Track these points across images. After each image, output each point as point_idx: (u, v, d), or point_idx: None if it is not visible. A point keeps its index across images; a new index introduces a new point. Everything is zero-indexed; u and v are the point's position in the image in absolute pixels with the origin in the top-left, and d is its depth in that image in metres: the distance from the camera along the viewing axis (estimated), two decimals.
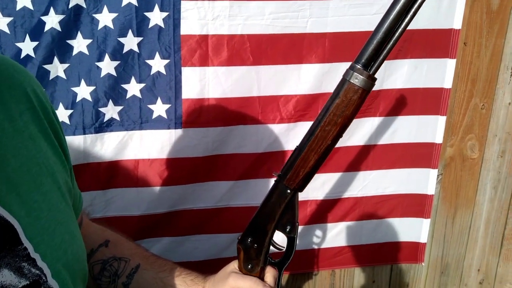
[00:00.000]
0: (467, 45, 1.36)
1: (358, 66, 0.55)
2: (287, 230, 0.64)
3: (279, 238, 0.67)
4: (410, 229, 1.49)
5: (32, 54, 1.09)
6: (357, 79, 0.55)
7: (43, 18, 1.07)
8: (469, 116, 1.43)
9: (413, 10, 0.56)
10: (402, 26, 0.56)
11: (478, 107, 1.43)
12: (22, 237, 0.41)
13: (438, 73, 1.33)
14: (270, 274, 0.67)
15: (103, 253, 0.69)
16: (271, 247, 0.68)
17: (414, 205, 1.46)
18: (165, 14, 1.14)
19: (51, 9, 1.07)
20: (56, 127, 0.53)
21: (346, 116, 0.57)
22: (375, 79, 0.56)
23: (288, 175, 0.62)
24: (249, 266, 0.66)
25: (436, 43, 1.30)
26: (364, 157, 1.38)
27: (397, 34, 0.56)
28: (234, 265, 0.69)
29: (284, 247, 0.67)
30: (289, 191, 0.62)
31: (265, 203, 0.64)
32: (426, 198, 1.46)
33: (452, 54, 1.32)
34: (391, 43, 0.56)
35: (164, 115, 1.21)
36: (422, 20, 1.27)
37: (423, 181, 1.44)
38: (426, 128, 1.38)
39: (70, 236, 0.48)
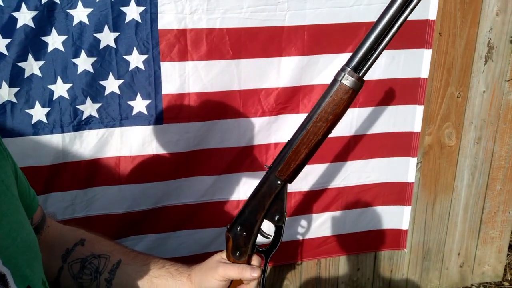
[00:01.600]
0: (442, 35, 1.39)
1: (349, 69, 0.60)
2: (276, 219, 0.67)
3: (265, 227, 0.69)
4: (392, 217, 1.52)
5: (5, 52, 1.06)
6: (348, 81, 0.60)
7: (15, 14, 1.04)
8: (445, 105, 1.47)
9: (401, 19, 0.60)
10: (390, 34, 0.60)
11: (454, 95, 1.46)
12: None
13: (415, 63, 1.36)
14: (255, 260, 0.69)
15: (80, 252, 0.68)
16: (259, 236, 0.70)
17: (395, 193, 1.49)
18: (141, 8, 1.12)
19: (23, 5, 1.04)
20: None
21: (337, 113, 0.62)
22: (363, 81, 0.61)
23: (280, 167, 0.65)
24: (237, 254, 0.68)
25: (412, 34, 1.33)
26: (345, 148, 1.40)
27: (385, 41, 0.61)
28: (220, 255, 0.70)
29: (271, 236, 0.69)
30: (279, 182, 0.65)
31: (256, 194, 0.67)
32: (407, 186, 1.49)
33: (428, 44, 1.34)
34: (379, 49, 0.61)
35: (145, 111, 1.20)
36: None
37: (403, 169, 1.47)
38: (405, 118, 1.41)
39: (18, 225, 0.48)
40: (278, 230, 0.68)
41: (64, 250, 0.68)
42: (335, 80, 0.61)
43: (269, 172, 0.66)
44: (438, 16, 1.33)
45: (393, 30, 0.60)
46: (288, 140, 0.65)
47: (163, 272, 0.69)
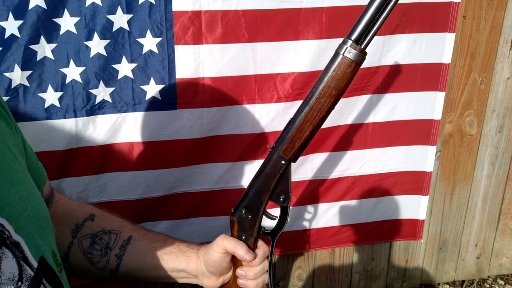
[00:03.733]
0: (466, 18, 1.33)
1: (351, 41, 0.59)
2: (281, 200, 0.66)
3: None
4: (409, 207, 1.49)
5: (17, 34, 1.04)
6: (351, 53, 0.59)
7: None
8: (467, 92, 1.42)
9: None
10: (391, 4, 0.58)
11: (477, 82, 1.41)
12: None
13: (437, 47, 1.31)
14: (261, 249, 0.68)
15: (90, 227, 0.67)
16: (264, 217, 0.68)
17: (413, 182, 1.46)
18: None
19: None
20: None
21: (340, 88, 0.61)
22: (366, 53, 0.60)
23: (284, 146, 0.64)
24: (243, 237, 0.67)
25: (435, 17, 1.27)
26: (362, 136, 1.36)
27: (386, 10, 0.58)
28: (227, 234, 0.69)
29: (277, 217, 0.68)
30: (283, 162, 0.64)
31: (260, 174, 0.65)
32: (425, 175, 1.45)
33: (451, 28, 1.29)
34: (381, 19, 0.59)
35: (158, 96, 1.18)
36: None
37: (421, 158, 1.43)
38: (425, 105, 1.37)
39: (28, 194, 0.47)
40: (284, 211, 0.67)
41: (74, 225, 0.67)
42: (337, 54, 0.60)
43: (273, 152, 0.64)
44: None
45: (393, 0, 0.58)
46: (291, 118, 0.63)
47: (174, 248, 0.69)
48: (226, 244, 0.65)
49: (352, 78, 0.61)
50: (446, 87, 1.35)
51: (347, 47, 0.58)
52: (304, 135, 0.62)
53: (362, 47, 0.59)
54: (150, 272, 0.68)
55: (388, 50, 1.28)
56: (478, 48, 1.37)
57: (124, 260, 0.67)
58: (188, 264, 0.67)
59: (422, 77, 1.33)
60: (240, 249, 0.64)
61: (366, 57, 0.60)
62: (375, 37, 1.30)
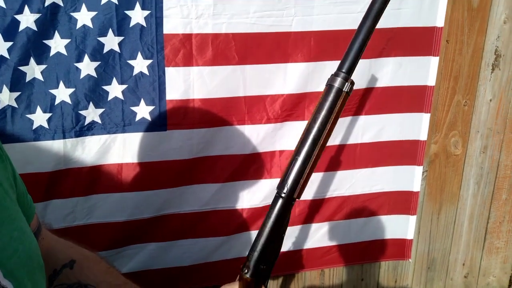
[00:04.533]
0: (449, 42, 1.37)
1: (346, 75, 0.61)
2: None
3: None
4: (397, 226, 1.50)
5: (6, 55, 1.03)
6: (347, 88, 0.61)
7: (17, 16, 1.02)
8: (452, 113, 1.45)
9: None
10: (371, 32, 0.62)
11: (461, 103, 1.45)
12: None
13: (422, 70, 1.35)
14: None
15: (67, 276, 0.63)
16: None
17: (401, 202, 1.47)
18: (146, 12, 1.10)
19: (26, 8, 1.02)
20: None
21: (337, 119, 0.63)
22: (353, 83, 0.63)
23: (298, 187, 0.61)
24: None
25: (419, 41, 1.31)
26: (351, 156, 1.38)
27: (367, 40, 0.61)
28: None
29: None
30: (293, 202, 0.63)
31: (279, 223, 0.62)
32: (412, 195, 1.47)
33: (435, 51, 1.33)
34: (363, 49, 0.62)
35: (148, 117, 1.18)
36: (405, 18, 1.27)
37: (408, 178, 1.45)
38: (411, 126, 1.39)
39: (20, 233, 0.45)
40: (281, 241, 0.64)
41: (52, 270, 0.63)
42: (330, 86, 0.61)
43: (283, 195, 0.62)
44: (446, 24, 1.32)
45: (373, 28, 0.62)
46: (296, 156, 0.61)
47: None
48: None
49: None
50: (431, 109, 1.39)
51: (347, 84, 0.60)
52: (312, 171, 0.61)
53: (351, 79, 0.61)
54: None
55: (375, 73, 1.31)
56: (461, 71, 1.41)
57: None
58: None
59: (408, 99, 1.36)
60: None
61: (354, 79, 0.63)
62: (363, 60, 1.34)
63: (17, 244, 0.44)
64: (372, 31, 0.60)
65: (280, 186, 0.62)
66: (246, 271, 0.62)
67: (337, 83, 0.59)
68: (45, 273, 0.50)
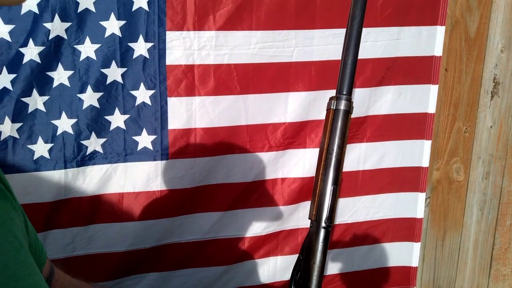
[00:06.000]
0: (448, 71, 1.39)
1: (348, 96, 0.62)
2: None
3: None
4: (401, 254, 1.48)
5: (10, 87, 1.04)
6: (352, 108, 0.62)
7: (22, 50, 1.03)
8: (453, 140, 1.46)
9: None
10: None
11: (462, 130, 1.45)
12: None
13: (422, 98, 1.36)
14: None
15: None
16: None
17: (404, 229, 1.46)
18: (150, 44, 1.12)
19: (30, 41, 1.03)
20: None
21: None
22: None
23: (334, 215, 0.62)
24: None
25: (418, 70, 1.33)
26: (353, 183, 1.37)
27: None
28: None
29: None
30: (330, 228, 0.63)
31: (325, 253, 0.62)
32: (416, 221, 1.46)
33: (434, 80, 1.34)
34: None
35: (150, 147, 1.18)
36: (404, 48, 1.29)
37: (411, 204, 1.44)
38: (413, 153, 1.39)
39: None
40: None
41: None
42: (347, 112, 0.62)
43: (327, 225, 0.61)
44: (444, 53, 1.34)
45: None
46: (330, 186, 0.61)
47: None
48: None
49: None
50: (432, 136, 1.39)
51: (351, 106, 0.62)
52: (338, 196, 0.62)
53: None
54: None
55: (375, 101, 1.32)
56: (461, 98, 1.42)
57: None
58: None
59: (409, 126, 1.37)
60: None
61: (355, 106, 0.65)
62: (363, 89, 1.35)
63: None
64: (359, 48, 0.61)
65: (320, 218, 0.61)
66: None
67: (343, 106, 0.61)
68: None
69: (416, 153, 1.40)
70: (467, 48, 1.38)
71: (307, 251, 0.61)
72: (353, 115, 1.39)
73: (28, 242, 0.51)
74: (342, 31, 1.22)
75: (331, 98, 0.63)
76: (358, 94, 1.29)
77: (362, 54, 1.24)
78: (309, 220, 0.63)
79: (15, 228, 0.45)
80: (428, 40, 1.31)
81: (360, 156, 1.36)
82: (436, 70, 1.33)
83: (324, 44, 1.22)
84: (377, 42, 1.26)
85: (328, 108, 0.63)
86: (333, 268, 1.43)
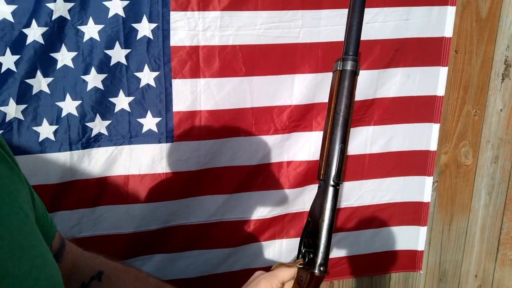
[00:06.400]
0: (458, 52, 1.36)
1: (354, 56, 0.61)
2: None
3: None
4: (408, 237, 1.47)
5: (14, 68, 1.03)
6: (358, 69, 0.61)
7: (25, 30, 1.02)
8: (462, 123, 1.43)
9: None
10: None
11: (471, 113, 1.43)
12: None
13: (431, 81, 1.33)
14: None
15: None
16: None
17: (411, 213, 1.45)
18: (153, 25, 1.10)
19: (33, 21, 1.02)
20: (1, 141, 0.48)
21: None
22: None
23: (342, 173, 0.61)
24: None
25: (428, 52, 1.30)
26: (360, 167, 1.36)
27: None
28: None
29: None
30: (336, 187, 0.62)
31: (330, 212, 0.60)
32: (422, 205, 1.45)
33: (444, 62, 1.31)
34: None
35: (155, 129, 1.17)
36: (414, 29, 1.26)
37: (419, 188, 1.43)
38: (421, 136, 1.37)
39: (41, 260, 0.43)
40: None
41: (80, 284, 0.62)
42: (354, 72, 0.61)
43: (335, 184, 0.60)
44: (454, 34, 1.31)
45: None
46: (337, 145, 0.60)
47: None
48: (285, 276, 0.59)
49: None
50: (441, 119, 1.37)
51: (358, 67, 0.61)
52: (346, 155, 0.62)
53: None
54: None
55: (383, 83, 1.29)
56: (470, 81, 1.39)
57: None
58: None
59: (417, 109, 1.35)
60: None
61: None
62: (371, 71, 1.32)
63: (38, 272, 0.42)
64: (364, 9, 0.60)
65: (328, 176, 0.60)
66: (323, 269, 0.59)
67: (350, 66, 0.60)
68: None
69: (424, 136, 1.38)
70: (478, 29, 1.34)
71: (316, 211, 0.61)
72: (360, 98, 1.39)
73: (36, 215, 0.50)
74: None
75: (337, 60, 0.62)
76: (366, 76, 1.26)
77: (370, 35, 1.23)
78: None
79: (21, 200, 0.45)
80: (438, 21, 1.28)
81: (367, 140, 1.34)
82: (446, 52, 1.30)
83: (331, 25, 1.19)
84: (386, 23, 1.23)
85: (335, 70, 0.62)
86: (339, 251, 1.43)
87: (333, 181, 0.60)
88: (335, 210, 0.60)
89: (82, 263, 0.64)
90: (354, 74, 0.60)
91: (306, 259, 0.60)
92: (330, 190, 0.60)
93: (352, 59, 0.60)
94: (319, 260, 0.58)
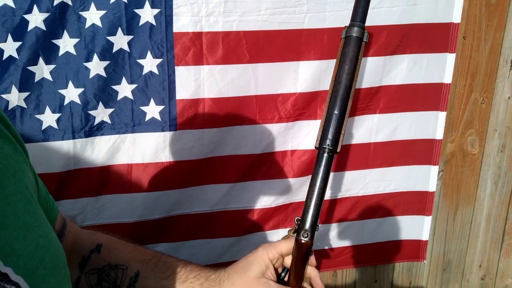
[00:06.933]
0: (466, 39, 1.33)
1: (361, 23, 0.60)
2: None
3: None
4: (412, 227, 1.46)
5: (16, 55, 1.02)
6: (365, 36, 0.60)
7: (26, 16, 1.00)
8: (469, 111, 1.41)
9: None
10: None
11: (478, 101, 1.41)
12: None
13: (438, 68, 1.31)
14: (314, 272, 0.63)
15: (96, 261, 0.63)
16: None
17: (416, 203, 1.44)
18: (156, 11, 1.08)
19: (35, 7, 1.01)
20: (5, 120, 0.47)
21: (358, 71, 0.62)
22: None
23: (340, 141, 0.61)
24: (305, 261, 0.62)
25: (435, 38, 1.27)
26: (364, 155, 1.34)
27: None
28: (264, 260, 0.63)
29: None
30: (333, 154, 0.62)
31: (327, 180, 0.61)
32: (427, 195, 1.43)
33: (451, 48, 1.29)
34: None
35: (158, 117, 1.16)
36: (421, 14, 1.24)
37: (424, 178, 1.41)
38: (427, 124, 1.36)
39: (46, 240, 0.43)
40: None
41: (81, 258, 0.64)
42: (359, 39, 0.60)
43: (330, 151, 0.60)
44: (463, 19, 1.28)
45: None
46: (333, 111, 0.60)
47: (187, 285, 0.64)
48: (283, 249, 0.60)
49: None
50: (448, 107, 1.35)
51: (365, 33, 0.60)
52: (346, 123, 0.60)
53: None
54: None
55: (389, 70, 1.27)
56: (478, 68, 1.37)
57: None
58: None
59: (424, 97, 1.33)
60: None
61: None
62: (377, 58, 1.30)
63: (44, 252, 0.42)
64: None
65: (322, 142, 0.60)
66: (306, 235, 0.60)
67: (355, 32, 0.59)
68: (71, 285, 0.48)
69: (430, 125, 1.36)
70: (487, 14, 1.31)
71: (311, 178, 0.61)
72: (366, 85, 1.36)
73: (38, 196, 0.51)
74: None
75: (344, 28, 0.60)
76: (372, 63, 1.24)
77: (377, 21, 1.21)
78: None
79: (26, 180, 0.45)
80: (446, 6, 1.25)
81: (372, 128, 1.32)
82: (454, 38, 1.28)
83: (337, 10, 1.17)
84: (393, 8, 1.21)
85: (342, 38, 0.60)
86: (343, 240, 1.42)
87: (327, 147, 0.59)
88: (327, 178, 0.60)
89: (81, 239, 0.65)
90: (360, 40, 0.59)
91: (296, 228, 0.60)
92: (324, 157, 0.60)
93: (358, 26, 0.59)
94: (305, 226, 0.59)
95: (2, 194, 0.39)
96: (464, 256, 1.59)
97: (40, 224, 0.43)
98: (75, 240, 0.65)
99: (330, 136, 0.59)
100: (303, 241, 0.60)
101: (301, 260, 0.61)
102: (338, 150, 0.61)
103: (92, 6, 1.05)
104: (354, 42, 0.59)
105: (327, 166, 0.60)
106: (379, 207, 1.42)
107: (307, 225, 0.60)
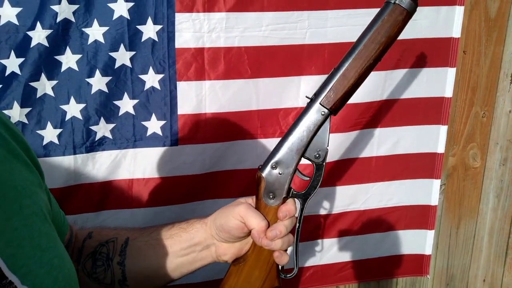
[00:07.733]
0: (466, 53, 1.34)
1: None
2: (316, 156, 0.61)
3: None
4: (415, 241, 1.45)
5: (18, 71, 1.02)
6: (403, 1, 0.58)
7: (29, 33, 1.01)
8: (470, 125, 1.41)
9: None
10: None
11: (479, 115, 1.41)
12: (5, 271, 0.37)
13: (439, 82, 1.31)
14: (289, 204, 0.62)
15: (89, 246, 0.66)
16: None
17: (418, 217, 1.43)
18: (158, 27, 1.09)
19: (38, 24, 1.01)
20: (25, 144, 0.50)
21: (390, 36, 0.59)
22: (417, 4, 0.59)
23: (325, 94, 0.60)
24: (271, 197, 0.62)
25: (435, 52, 1.28)
26: (366, 169, 1.34)
27: None
28: (246, 199, 0.65)
29: (310, 177, 0.63)
30: (323, 112, 0.60)
31: (295, 126, 0.60)
32: (430, 209, 1.43)
33: (452, 62, 1.30)
34: None
35: (159, 132, 1.16)
36: (421, 29, 1.25)
37: (426, 191, 1.41)
38: (428, 138, 1.36)
39: (59, 260, 0.45)
40: (319, 169, 0.62)
41: (77, 251, 0.65)
42: (388, 3, 0.58)
43: (312, 102, 0.60)
44: (462, 34, 1.29)
45: None
46: (334, 68, 0.61)
47: (174, 230, 0.66)
48: (249, 219, 0.61)
49: (402, 28, 0.59)
50: (449, 121, 1.35)
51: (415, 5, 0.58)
52: (349, 83, 0.59)
53: None
54: (158, 267, 0.65)
55: (390, 84, 1.28)
56: (479, 82, 1.37)
57: (127, 265, 0.64)
58: (195, 236, 0.64)
59: (425, 110, 1.33)
60: (263, 231, 0.60)
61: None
62: (378, 72, 1.31)
63: (57, 272, 0.43)
64: None
65: (317, 95, 0.60)
66: (259, 166, 0.62)
67: (406, 4, 0.58)
68: None
69: (431, 138, 1.36)
70: (487, 29, 1.33)
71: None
72: (367, 100, 1.37)
73: (51, 213, 0.52)
74: (357, 12, 1.18)
75: None
76: (373, 77, 1.24)
77: None
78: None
79: (41, 201, 0.47)
80: (446, 21, 1.26)
81: (374, 142, 1.32)
82: (454, 52, 1.29)
83: (338, 26, 1.18)
84: None
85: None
86: (345, 255, 1.41)
87: (321, 103, 0.59)
88: (303, 129, 0.58)
89: (77, 236, 0.68)
90: (390, 4, 0.57)
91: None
92: (313, 106, 0.59)
93: None
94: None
95: (21, 215, 0.41)
96: (468, 271, 1.57)
97: (54, 245, 0.45)
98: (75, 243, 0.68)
99: (325, 91, 0.59)
100: (258, 175, 0.62)
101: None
102: (330, 107, 0.59)
103: (95, 22, 1.06)
104: (392, 9, 0.57)
105: (303, 113, 0.60)
106: (381, 221, 1.41)
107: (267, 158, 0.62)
